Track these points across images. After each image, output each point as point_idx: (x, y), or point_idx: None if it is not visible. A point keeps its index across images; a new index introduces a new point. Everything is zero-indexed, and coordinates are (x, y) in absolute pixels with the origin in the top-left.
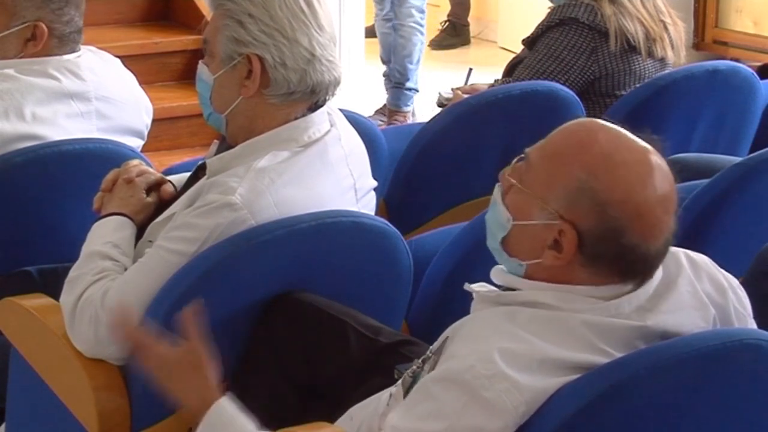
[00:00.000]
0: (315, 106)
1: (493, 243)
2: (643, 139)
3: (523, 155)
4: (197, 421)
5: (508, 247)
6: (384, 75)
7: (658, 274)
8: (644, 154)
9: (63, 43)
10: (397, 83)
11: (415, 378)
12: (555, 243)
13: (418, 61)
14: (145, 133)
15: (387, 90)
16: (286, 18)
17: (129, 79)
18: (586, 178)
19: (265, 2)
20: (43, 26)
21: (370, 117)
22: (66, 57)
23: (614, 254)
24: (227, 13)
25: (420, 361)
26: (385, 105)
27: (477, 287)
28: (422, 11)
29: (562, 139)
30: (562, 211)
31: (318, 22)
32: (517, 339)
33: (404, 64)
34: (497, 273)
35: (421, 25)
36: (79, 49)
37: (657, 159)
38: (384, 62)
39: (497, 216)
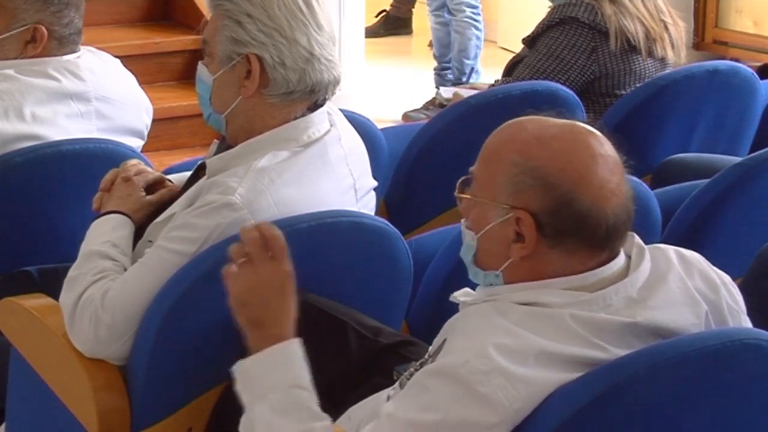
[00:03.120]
0: (315, 106)
1: (470, 270)
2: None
3: (468, 176)
4: (259, 348)
5: (480, 262)
6: (434, 69)
7: (646, 266)
8: (572, 126)
9: (63, 44)
10: (456, 80)
11: None
12: (516, 235)
13: (476, 56)
14: (146, 133)
15: (436, 84)
16: (284, 17)
17: (129, 79)
18: (523, 161)
19: (263, 2)
20: (43, 29)
21: (418, 109)
22: (66, 57)
23: (573, 224)
24: (226, 13)
25: (418, 364)
26: (434, 97)
27: (462, 297)
28: (472, 6)
29: (494, 139)
30: (511, 201)
31: (317, 22)
32: (512, 334)
33: (461, 60)
34: (479, 291)
35: (476, 20)
36: (79, 50)
37: (589, 130)
38: (435, 58)
39: (465, 241)
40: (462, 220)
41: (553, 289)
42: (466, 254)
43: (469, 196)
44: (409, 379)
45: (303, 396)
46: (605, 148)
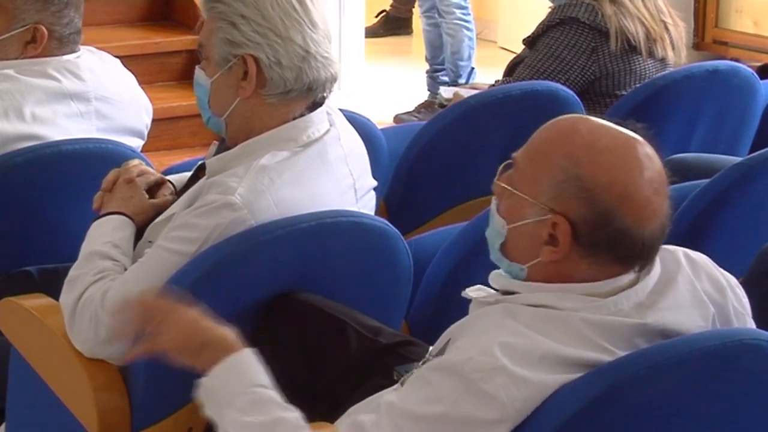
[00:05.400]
0: (314, 106)
1: (494, 254)
2: (629, 129)
3: (510, 161)
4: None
5: (507, 252)
6: (426, 72)
7: (656, 270)
8: (627, 139)
9: (63, 44)
10: (452, 82)
11: None
12: (550, 237)
13: (469, 57)
14: (146, 132)
15: (429, 87)
16: (278, 17)
17: (129, 79)
18: (571, 167)
19: (256, 2)
20: (44, 29)
21: (409, 112)
22: (66, 57)
23: (610, 240)
24: (220, 15)
25: (420, 364)
26: (427, 100)
27: (474, 293)
28: (462, 7)
29: (544, 135)
30: (552, 204)
31: (311, 19)
32: (519, 334)
33: (455, 62)
34: (495, 277)
35: (467, 21)
36: (79, 50)
37: (641, 143)
38: (427, 60)
39: (494, 226)
40: (493, 201)
41: (568, 294)
42: (494, 239)
43: (508, 187)
44: None
45: (267, 393)
46: (654, 166)
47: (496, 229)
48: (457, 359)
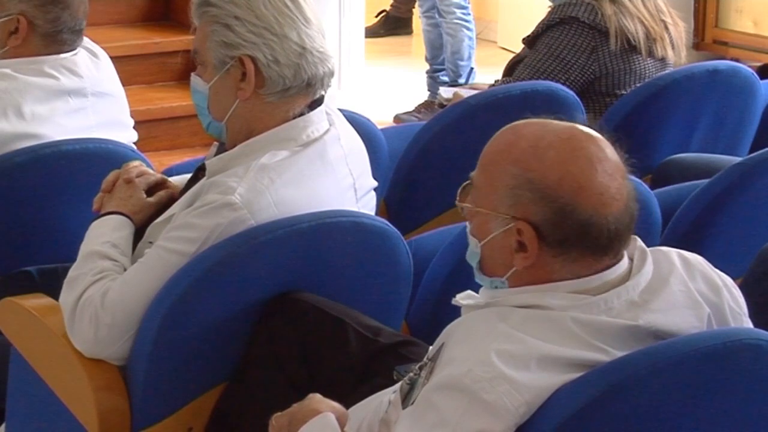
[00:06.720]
0: (313, 104)
1: (476, 274)
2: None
3: (468, 181)
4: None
5: (485, 269)
6: (426, 72)
7: (648, 269)
8: (571, 132)
9: (49, 42)
10: (452, 82)
11: (412, 385)
12: (519, 245)
13: (469, 57)
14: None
15: (429, 87)
16: (272, 15)
17: (114, 72)
18: (520, 172)
19: (249, 2)
20: (24, 20)
21: (409, 112)
22: (63, 55)
23: (575, 233)
24: (213, 18)
25: (417, 368)
26: (427, 100)
27: (464, 300)
28: (462, 7)
29: (492, 147)
30: (511, 212)
31: (304, 15)
32: (513, 339)
33: (455, 62)
34: (483, 292)
35: (467, 21)
36: (76, 48)
37: (588, 135)
38: (427, 61)
39: (470, 247)
40: (467, 224)
41: (556, 292)
42: (471, 259)
43: (469, 205)
44: (408, 384)
45: None
46: (605, 151)
47: (472, 250)
48: (456, 373)
